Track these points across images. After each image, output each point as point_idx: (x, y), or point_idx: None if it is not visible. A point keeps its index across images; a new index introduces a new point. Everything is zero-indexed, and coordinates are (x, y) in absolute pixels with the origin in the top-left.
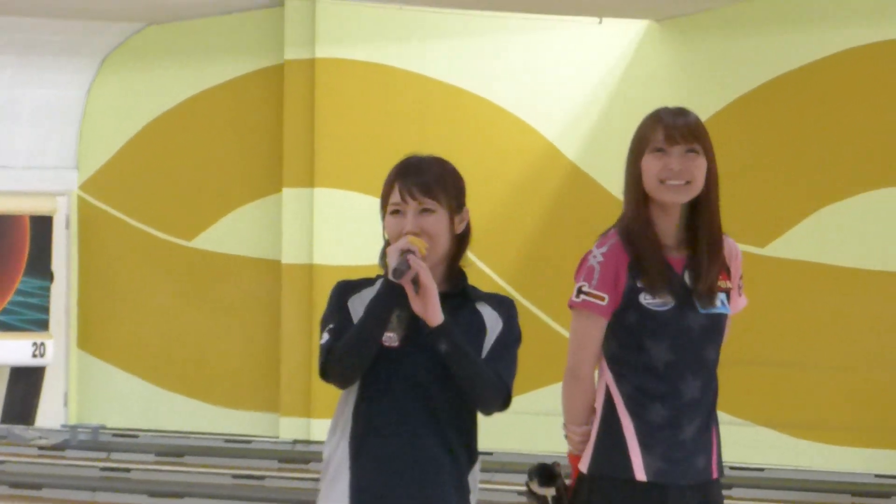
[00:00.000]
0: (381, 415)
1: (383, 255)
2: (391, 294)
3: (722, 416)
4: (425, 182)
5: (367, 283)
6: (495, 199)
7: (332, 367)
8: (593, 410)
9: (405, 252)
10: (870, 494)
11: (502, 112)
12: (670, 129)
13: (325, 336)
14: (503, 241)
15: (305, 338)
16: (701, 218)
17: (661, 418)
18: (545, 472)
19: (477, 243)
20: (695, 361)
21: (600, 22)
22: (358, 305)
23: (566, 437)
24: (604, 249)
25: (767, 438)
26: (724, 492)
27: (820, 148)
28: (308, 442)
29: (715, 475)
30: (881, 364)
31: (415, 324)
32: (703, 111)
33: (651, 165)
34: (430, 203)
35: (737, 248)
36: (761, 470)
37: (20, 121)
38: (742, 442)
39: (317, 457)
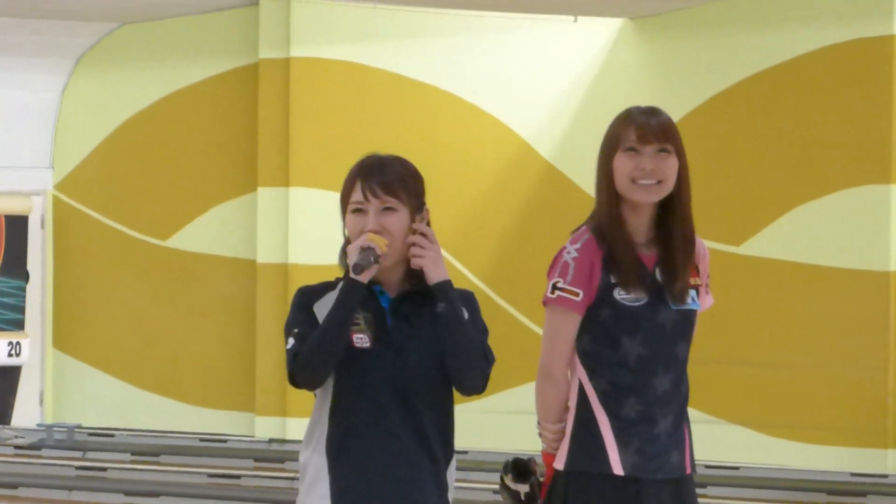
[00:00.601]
0: (357, 416)
1: (343, 254)
2: (354, 293)
3: (697, 414)
4: (387, 181)
5: (328, 286)
6: (470, 197)
7: (300, 370)
8: (567, 408)
9: (365, 249)
10: (845, 493)
11: (477, 111)
12: (643, 129)
13: (291, 341)
14: (478, 240)
15: (281, 337)
16: (673, 217)
17: (636, 413)
18: (520, 468)
19: (452, 241)
20: (667, 357)
21: (575, 20)
22: (323, 309)
23: (540, 435)
24: (578, 245)
25: (742, 437)
26: (700, 490)
27: (794, 146)
28: (283, 441)
29: (688, 470)
30: (855, 362)
31: (383, 324)
32: (678, 109)
33: (623, 164)
34: (391, 201)
35: (704, 246)
36: (736, 468)
37: None
38: (717, 440)
39: (292, 456)
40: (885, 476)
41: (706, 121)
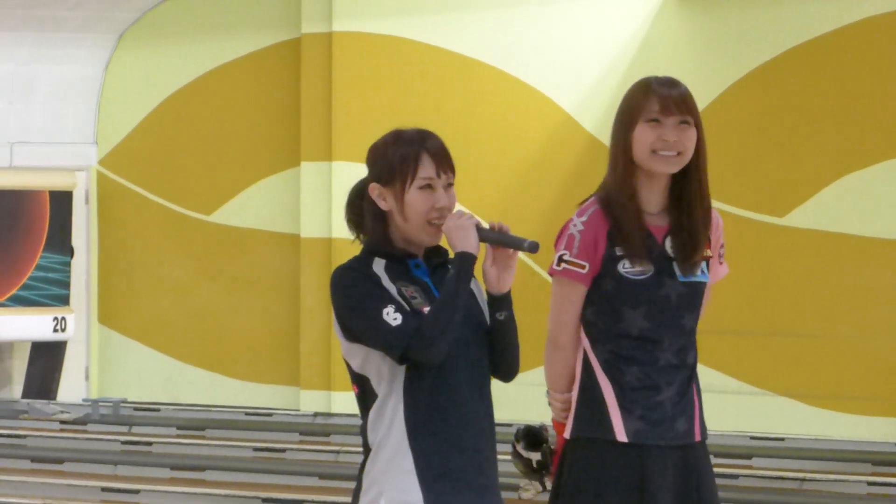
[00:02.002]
0: (435, 389)
1: (375, 222)
2: (473, 267)
3: (741, 385)
4: (449, 156)
5: (365, 263)
6: (513, 169)
7: (434, 345)
8: (573, 377)
9: (479, 226)
10: (890, 463)
11: (520, 84)
12: (666, 100)
13: (397, 316)
14: (521, 212)
15: (325, 311)
16: (691, 188)
17: (638, 381)
18: (532, 436)
19: (494, 214)
20: (671, 328)
21: None
22: (386, 284)
23: (549, 404)
24: (584, 218)
25: (788, 408)
26: (745, 462)
27: (839, 117)
28: (329, 414)
29: (697, 437)
30: None
31: (432, 296)
32: (722, 81)
33: (645, 135)
34: (452, 178)
35: (718, 216)
36: (782, 440)
37: (39, 96)
38: (762, 412)
39: (337, 429)
40: None
41: (749, 92)
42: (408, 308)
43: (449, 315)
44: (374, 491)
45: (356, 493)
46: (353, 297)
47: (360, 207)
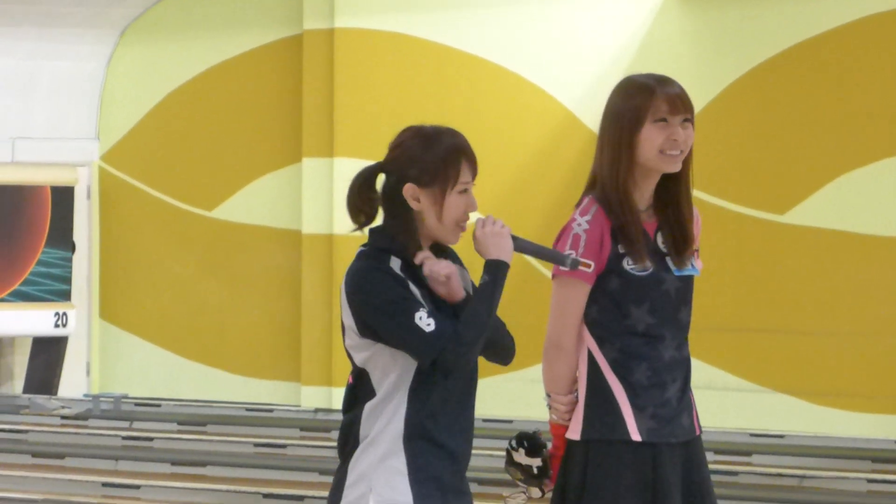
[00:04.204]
0: (438, 395)
1: (404, 226)
2: (506, 275)
3: (741, 382)
4: (476, 160)
5: (385, 263)
6: (514, 167)
7: (470, 351)
8: (575, 379)
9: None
10: (890, 461)
11: (521, 81)
12: (674, 99)
13: (430, 322)
14: (522, 210)
15: (326, 307)
16: (681, 183)
17: (647, 379)
18: (532, 442)
19: (495, 212)
20: (671, 323)
21: None
22: (412, 287)
23: (550, 407)
24: (588, 217)
25: (787, 405)
26: (744, 458)
27: (840, 115)
28: (329, 410)
29: (697, 431)
30: None
31: (428, 299)
32: (722, 79)
33: (654, 136)
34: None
35: (697, 211)
36: (781, 437)
37: (41, 92)
38: (762, 409)
39: (338, 425)
40: None
41: (750, 90)
42: (435, 312)
43: (485, 321)
44: (363, 486)
45: (339, 484)
46: (383, 299)
47: (369, 197)
